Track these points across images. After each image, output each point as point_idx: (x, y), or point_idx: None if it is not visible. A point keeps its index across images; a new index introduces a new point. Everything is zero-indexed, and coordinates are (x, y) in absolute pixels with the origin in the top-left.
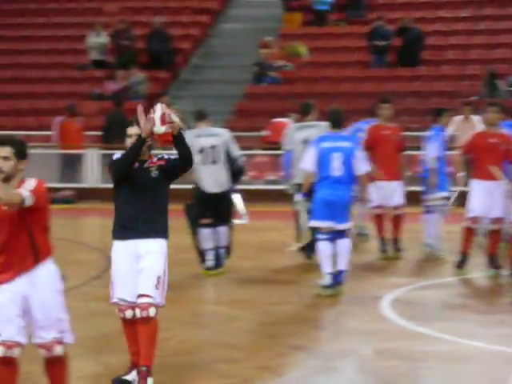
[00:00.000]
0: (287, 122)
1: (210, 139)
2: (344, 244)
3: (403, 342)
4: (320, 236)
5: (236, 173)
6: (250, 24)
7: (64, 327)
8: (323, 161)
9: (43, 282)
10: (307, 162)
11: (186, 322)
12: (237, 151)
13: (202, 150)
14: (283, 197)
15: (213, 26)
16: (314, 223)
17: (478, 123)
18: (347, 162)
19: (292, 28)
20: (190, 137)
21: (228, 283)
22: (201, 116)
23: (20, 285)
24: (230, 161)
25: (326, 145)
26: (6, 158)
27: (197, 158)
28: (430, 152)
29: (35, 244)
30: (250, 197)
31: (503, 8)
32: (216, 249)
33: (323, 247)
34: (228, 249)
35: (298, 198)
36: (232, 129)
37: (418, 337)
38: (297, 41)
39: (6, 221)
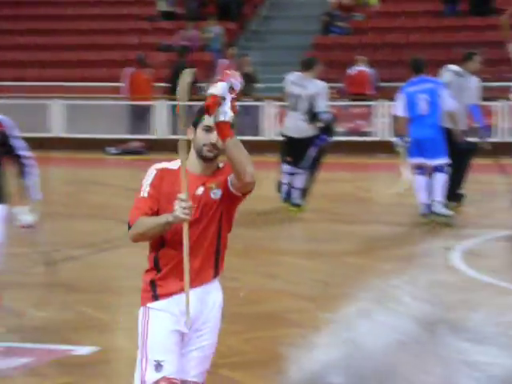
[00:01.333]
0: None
1: (297, 88)
2: (437, 178)
3: (473, 294)
4: (416, 171)
5: (323, 126)
6: None
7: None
8: (411, 104)
9: (215, 302)
10: (398, 108)
11: (255, 272)
12: (322, 106)
13: (290, 96)
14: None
15: None
16: (410, 160)
17: None
18: (433, 102)
19: None
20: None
21: (294, 235)
22: (304, 65)
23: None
24: (313, 113)
25: (412, 89)
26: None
27: (286, 102)
28: None
29: (219, 250)
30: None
31: None
32: (289, 186)
33: (418, 181)
34: (304, 192)
35: (396, 141)
36: None
37: (487, 288)
38: None
39: (207, 214)
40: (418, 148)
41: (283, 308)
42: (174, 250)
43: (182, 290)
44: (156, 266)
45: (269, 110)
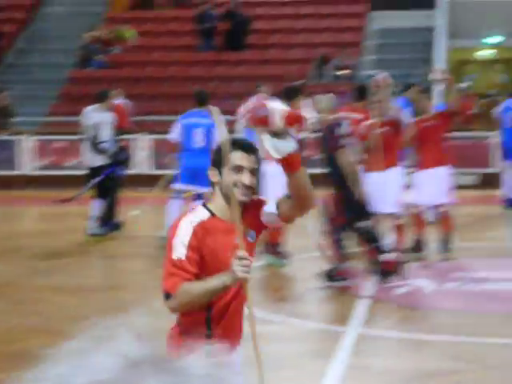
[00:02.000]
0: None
1: (89, 119)
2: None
3: None
4: (174, 195)
5: (114, 157)
6: (76, 7)
7: None
8: (186, 134)
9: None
10: (173, 134)
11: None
12: (105, 136)
13: (84, 127)
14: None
15: (37, 9)
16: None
17: (303, 106)
18: (208, 135)
19: (119, 11)
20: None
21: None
22: (97, 97)
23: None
24: (96, 143)
25: (189, 120)
26: (254, 171)
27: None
28: None
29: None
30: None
31: None
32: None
33: (173, 204)
34: (101, 221)
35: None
36: (56, 114)
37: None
38: (124, 24)
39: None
40: (190, 176)
41: (38, 345)
42: (223, 310)
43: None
44: (207, 329)
45: (26, 143)
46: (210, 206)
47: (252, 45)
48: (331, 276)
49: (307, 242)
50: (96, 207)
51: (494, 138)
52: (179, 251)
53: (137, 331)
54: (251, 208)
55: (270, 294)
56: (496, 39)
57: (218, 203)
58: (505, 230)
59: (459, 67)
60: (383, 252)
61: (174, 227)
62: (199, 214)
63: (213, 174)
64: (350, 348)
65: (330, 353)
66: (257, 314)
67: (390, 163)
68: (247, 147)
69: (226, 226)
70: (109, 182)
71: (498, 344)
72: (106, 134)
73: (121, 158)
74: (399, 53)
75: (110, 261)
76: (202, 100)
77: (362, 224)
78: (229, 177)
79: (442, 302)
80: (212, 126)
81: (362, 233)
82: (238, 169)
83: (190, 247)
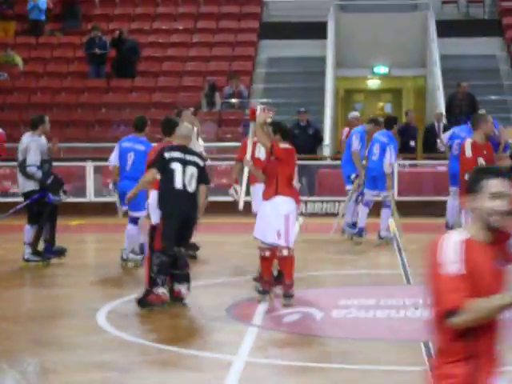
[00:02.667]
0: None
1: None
2: (128, 228)
3: (119, 353)
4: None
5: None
6: None
7: None
8: (122, 157)
9: None
10: (112, 158)
11: None
12: (31, 160)
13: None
14: None
15: None
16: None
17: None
18: (137, 159)
19: (6, 37)
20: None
21: None
22: (32, 123)
23: None
24: (24, 166)
25: (126, 145)
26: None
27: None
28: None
29: None
30: None
31: (218, 21)
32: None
33: (131, 229)
34: (32, 247)
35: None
36: None
37: (132, 347)
38: (11, 50)
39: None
40: (124, 198)
41: None
42: (484, 336)
43: None
44: (464, 357)
45: None
46: (466, 229)
47: (143, 72)
48: (142, 300)
49: (203, 269)
50: (27, 233)
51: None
52: (454, 266)
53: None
54: (504, 235)
55: (164, 322)
56: (382, 69)
57: (474, 227)
58: (393, 256)
59: (348, 96)
60: (157, 284)
61: (435, 246)
62: (459, 234)
63: (467, 200)
64: (237, 376)
65: (218, 382)
66: (148, 343)
67: (276, 192)
68: (502, 173)
69: (483, 249)
70: (39, 207)
71: (382, 371)
72: (35, 159)
73: (50, 183)
74: (289, 82)
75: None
76: (140, 127)
77: (176, 250)
78: (485, 203)
79: (330, 329)
80: (145, 152)
81: (175, 258)
82: (496, 195)
83: (463, 262)
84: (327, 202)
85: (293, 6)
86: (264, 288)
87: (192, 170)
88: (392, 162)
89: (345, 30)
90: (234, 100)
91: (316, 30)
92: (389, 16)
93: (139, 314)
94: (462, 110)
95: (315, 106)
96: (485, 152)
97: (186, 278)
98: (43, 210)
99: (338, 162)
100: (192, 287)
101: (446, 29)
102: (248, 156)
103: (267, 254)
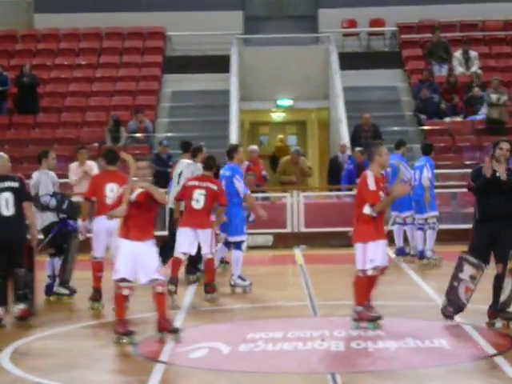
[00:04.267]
0: None
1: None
2: None
3: None
4: None
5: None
6: None
7: None
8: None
9: None
10: None
11: None
12: (43, 191)
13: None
14: None
15: None
16: None
17: (94, 168)
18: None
19: None
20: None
21: None
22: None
23: None
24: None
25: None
26: None
27: None
28: None
29: None
30: None
31: (121, 55)
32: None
33: None
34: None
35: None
36: None
37: None
38: None
39: None
40: None
41: None
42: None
43: None
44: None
45: None
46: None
47: (46, 108)
48: None
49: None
50: (49, 266)
51: (288, 199)
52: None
53: None
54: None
55: (65, 359)
56: (286, 102)
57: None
58: (300, 288)
59: (253, 129)
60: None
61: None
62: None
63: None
64: None
65: None
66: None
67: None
68: None
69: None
70: (62, 238)
71: None
72: (46, 190)
73: (67, 208)
74: (194, 115)
75: None
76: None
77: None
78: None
79: (237, 363)
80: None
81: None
82: None
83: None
84: None
85: (196, 39)
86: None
87: (6, 196)
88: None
89: (248, 63)
90: (138, 134)
91: (220, 64)
92: (292, 49)
93: (44, 353)
94: (367, 141)
95: (220, 140)
96: (381, 185)
97: (23, 298)
98: (67, 241)
99: None
100: (97, 324)
101: (348, 61)
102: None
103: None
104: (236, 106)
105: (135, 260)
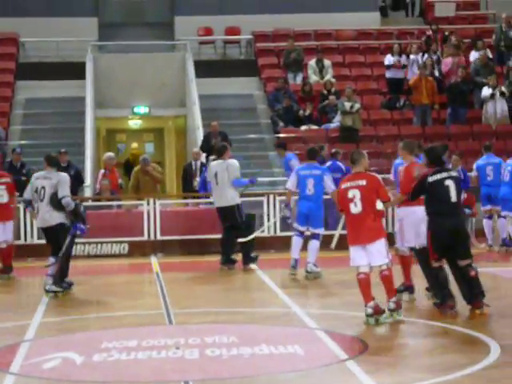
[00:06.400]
0: None
1: (42, 181)
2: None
3: None
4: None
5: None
6: None
7: None
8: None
9: None
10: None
11: None
12: (64, 192)
13: (35, 190)
14: None
15: None
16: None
17: None
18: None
19: None
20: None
21: None
22: (47, 161)
23: None
24: (57, 200)
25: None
26: None
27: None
28: None
29: None
30: None
31: None
32: None
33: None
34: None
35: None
36: None
37: None
38: None
39: None
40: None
41: None
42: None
43: None
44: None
45: None
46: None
47: None
48: None
49: None
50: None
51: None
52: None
53: None
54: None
55: None
56: (142, 109)
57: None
58: (156, 297)
59: (110, 136)
60: None
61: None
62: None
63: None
64: None
65: None
66: None
67: None
68: None
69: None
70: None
71: None
72: (67, 191)
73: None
74: (48, 123)
75: None
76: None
77: None
78: None
79: (91, 373)
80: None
81: None
82: None
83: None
84: (90, 243)
85: (50, 46)
86: None
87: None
88: None
89: (104, 70)
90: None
91: (75, 71)
92: (148, 56)
93: None
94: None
95: (76, 147)
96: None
97: None
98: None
99: (100, 203)
100: None
101: (204, 69)
102: None
103: None
104: (91, 113)
105: None
